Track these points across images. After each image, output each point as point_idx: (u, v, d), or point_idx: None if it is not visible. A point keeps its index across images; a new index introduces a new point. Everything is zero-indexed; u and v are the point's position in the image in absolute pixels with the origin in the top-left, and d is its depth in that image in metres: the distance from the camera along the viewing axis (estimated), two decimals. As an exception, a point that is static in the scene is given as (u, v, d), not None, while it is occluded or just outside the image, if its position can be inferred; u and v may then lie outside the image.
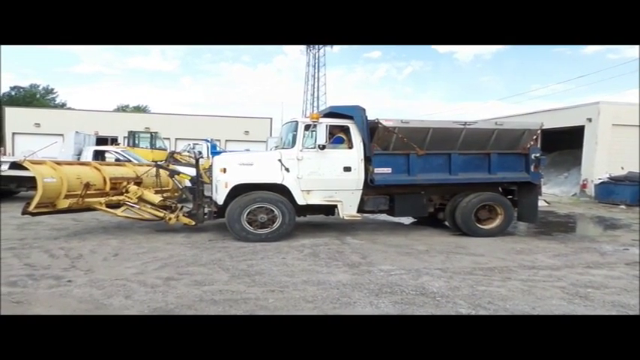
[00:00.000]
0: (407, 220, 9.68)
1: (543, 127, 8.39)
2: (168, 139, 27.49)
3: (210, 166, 8.07)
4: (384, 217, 9.58)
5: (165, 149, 20.49)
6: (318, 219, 8.72)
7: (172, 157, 9.66)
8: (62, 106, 52.53)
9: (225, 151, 20.13)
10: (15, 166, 10.72)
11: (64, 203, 6.89)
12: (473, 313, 4.05)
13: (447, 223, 8.55)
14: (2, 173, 11.19)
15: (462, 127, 7.77)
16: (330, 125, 7.51)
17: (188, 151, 17.07)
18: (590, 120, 17.89)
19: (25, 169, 7.11)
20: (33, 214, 6.88)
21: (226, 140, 31.02)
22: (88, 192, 7.17)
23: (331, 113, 7.96)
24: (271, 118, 34.75)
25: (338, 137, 7.65)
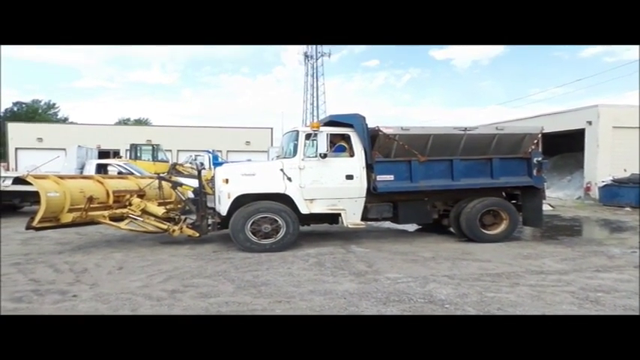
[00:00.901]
0: (411, 227, 9.64)
1: (544, 131, 8.39)
2: (170, 151, 27.57)
3: (213, 177, 8.06)
4: (388, 224, 9.55)
5: (167, 161, 20.55)
6: (322, 228, 8.69)
7: (174, 168, 9.66)
8: (64, 120, 52.89)
9: (227, 162, 20.16)
10: (18, 181, 10.74)
11: (67, 217, 6.89)
12: (482, 319, 4.00)
13: (451, 230, 8.50)
14: (6, 188, 11.21)
15: (463, 132, 7.77)
16: (331, 134, 7.52)
17: (190, 163, 17.09)
18: (590, 123, 17.92)
19: (29, 183, 7.12)
20: (37, 229, 6.87)
21: (228, 151, 31.08)
22: (92, 205, 7.16)
23: (331, 122, 7.97)
24: (272, 128, 34.94)
25: (340, 146, 7.66)
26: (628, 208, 14.18)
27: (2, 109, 46.55)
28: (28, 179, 6.90)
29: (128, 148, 22.62)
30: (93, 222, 7.45)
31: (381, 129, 7.44)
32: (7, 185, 11.29)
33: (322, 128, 7.45)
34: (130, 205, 7.65)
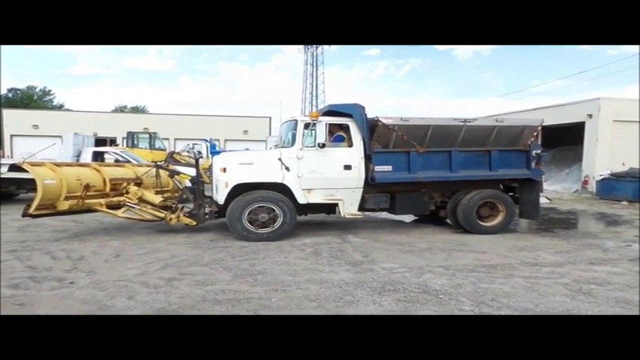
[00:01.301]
0: (408, 218, 9.67)
1: (544, 124, 8.38)
2: (167, 139, 27.47)
3: (210, 165, 8.05)
4: (384, 215, 9.58)
5: (164, 149, 20.46)
6: (319, 218, 8.71)
7: (172, 157, 9.63)
8: (60, 107, 52.51)
9: (225, 151, 20.11)
10: (14, 168, 10.69)
11: (64, 205, 6.87)
12: (476, 310, 4.04)
13: (448, 221, 8.53)
14: (2, 175, 11.17)
15: (462, 124, 7.75)
16: (330, 124, 7.48)
17: (187, 151, 17.05)
18: (590, 116, 17.89)
19: (25, 171, 7.09)
20: (33, 216, 6.87)
21: (225, 140, 31.02)
22: (88, 193, 7.15)
23: (330, 112, 7.94)
24: (270, 117, 34.77)
25: (338, 136, 7.64)
26: (625, 202, 14.24)
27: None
28: (25, 166, 6.87)
29: (125, 136, 22.51)
30: (90, 210, 7.44)
31: (381, 119, 7.42)
32: (4, 172, 11.22)
33: (321, 118, 7.43)
34: (127, 193, 7.63)
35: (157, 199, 7.73)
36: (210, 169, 7.98)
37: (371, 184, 7.57)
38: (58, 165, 7.38)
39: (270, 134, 28.68)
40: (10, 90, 52.25)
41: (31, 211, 6.63)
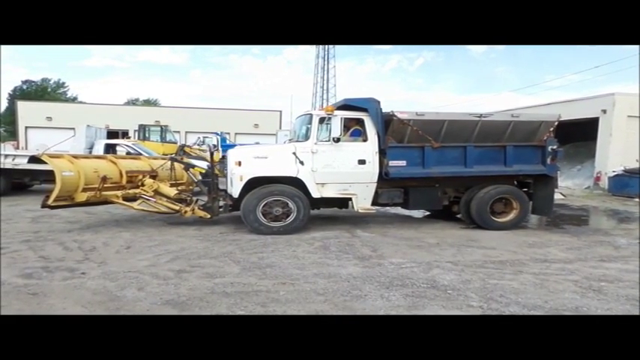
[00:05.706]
0: (418, 213, 9.64)
1: (560, 119, 8.26)
2: (179, 132, 27.64)
3: (221, 159, 8.09)
4: (394, 210, 9.57)
5: (175, 142, 20.59)
6: (329, 211, 8.72)
7: (183, 150, 9.70)
8: (73, 99, 53.16)
9: (235, 144, 20.18)
10: (33, 159, 10.86)
11: (81, 196, 7.00)
12: (484, 306, 4.03)
13: (460, 216, 8.49)
14: (16, 167, 11.36)
15: (478, 119, 7.69)
16: (345, 118, 7.48)
17: (198, 145, 17.14)
18: (604, 111, 17.59)
19: (43, 162, 7.22)
20: (52, 208, 7.00)
21: (236, 133, 31.11)
22: (105, 185, 7.26)
23: (345, 106, 7.90)
24: (281, 111, 34.84)
25: (356, 130, 7.60)
26: (637, 199, 14.02)
27: (11, 88, 47.18)
28: (44, 158, 7.00)
29: (137, 128, 22.70)
30: (107, 202, 7.55)
31: (396, 114, 7.38)
32: (18, 163, 11.40)
33: (336, 112, 7.41)
34: (143, 185, 7.74)
35: (172, 191, 7.81)
36: (220, 162, 8.02)
37: (385, 179, 7.54)
38: (75, 157, 7.50)
39: (280, 128, 28.74)
40: (24, 82, 53.07)
41: (50, 202, 6.75)
